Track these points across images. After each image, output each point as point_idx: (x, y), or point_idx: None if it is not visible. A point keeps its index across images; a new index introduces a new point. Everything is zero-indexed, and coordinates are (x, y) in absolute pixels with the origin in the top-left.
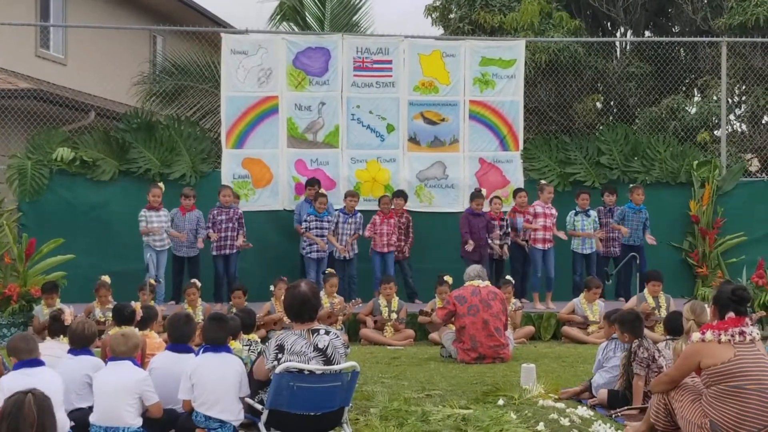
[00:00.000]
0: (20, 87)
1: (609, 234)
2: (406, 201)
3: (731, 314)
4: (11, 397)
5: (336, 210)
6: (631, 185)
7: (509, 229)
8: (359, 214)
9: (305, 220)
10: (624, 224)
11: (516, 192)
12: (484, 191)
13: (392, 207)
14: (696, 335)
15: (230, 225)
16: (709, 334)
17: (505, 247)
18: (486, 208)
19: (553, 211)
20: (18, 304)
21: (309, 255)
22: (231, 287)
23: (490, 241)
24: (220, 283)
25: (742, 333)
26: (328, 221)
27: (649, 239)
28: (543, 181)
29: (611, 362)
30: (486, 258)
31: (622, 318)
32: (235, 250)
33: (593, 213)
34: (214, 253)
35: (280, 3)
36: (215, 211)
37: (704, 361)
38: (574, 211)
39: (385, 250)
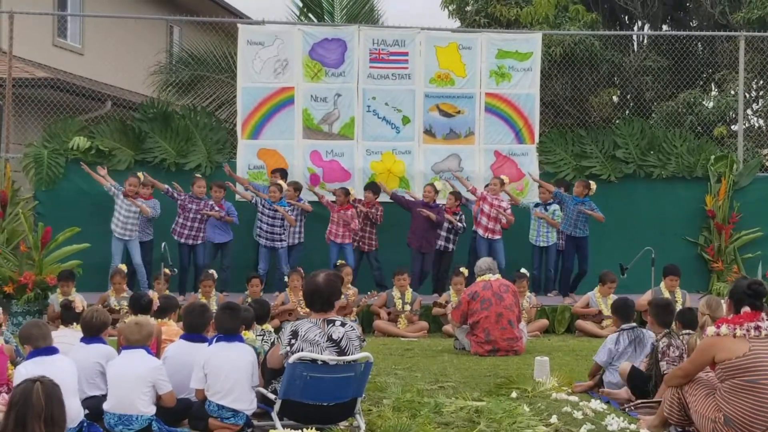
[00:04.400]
0: (37, 76)
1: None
2: (376, 195)
3: (747, 309)
4: (19, 385)
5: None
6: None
7: (463, 226)
8: (302, 201)
9: (262, 205)
10: (563, 211)
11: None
12: (438, 183)
13: (352, 199)
14: (711, 329)
15: (198, 216)
16: (724, 328)
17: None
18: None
19: (503, 204)
20: (33, 293)
21: (258, 241)
22: (198, 278)
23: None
24: (183, 274)
25: (757, 328)
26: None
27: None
28: (503, 177)
29: (622, 360)
30: (431, 252)
31: (653, 302)
32: (200, 241)
33: (553, 206)
34: (182, 241)
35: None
36: (185, 197)
37: (719, 356)
38: (533, 203)
39: (339, 240)
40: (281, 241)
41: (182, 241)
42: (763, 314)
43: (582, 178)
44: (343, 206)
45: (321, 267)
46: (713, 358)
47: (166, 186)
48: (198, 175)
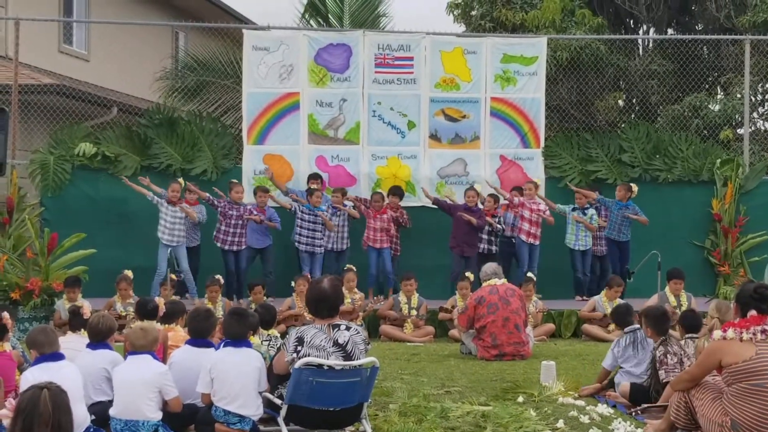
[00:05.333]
0: (43, 82)
1: (597, 232)
2: (401, 198)
3: (753, 312)
4: (26, 391)
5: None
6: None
7: (502, 228)
8: (348, 205)
9: (301, 211)
10: (608, 215)
11: (511, 190)
12: (477, 185)
13: (386, 203)
14: (717, 333)
15: (240, 222)
16: (730, 332)
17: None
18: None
19: (541, 207)
20: (40, 299)
21: (298, 247)
22: (240, 284)
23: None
24: (231, 280)
25: (764, 331)
26: (322, 216)
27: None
28: (536, 180)
29: (630, 362)
30: (474, 255)
31: (647, 312)
32: (243, 247)
33: (590, 211)
34: (225, 248)
35: (311, 2)
36: (224, 204)
37: (725, 359)
38: (571, 207)
39: (378, 245)
40: (321, 246)
41: (226, 248)
42: None
43: (624, 181)
44: (380, 211)
45: (361, 272)
46: (720, 361)
47: (207, 194)
48: (235, 181)
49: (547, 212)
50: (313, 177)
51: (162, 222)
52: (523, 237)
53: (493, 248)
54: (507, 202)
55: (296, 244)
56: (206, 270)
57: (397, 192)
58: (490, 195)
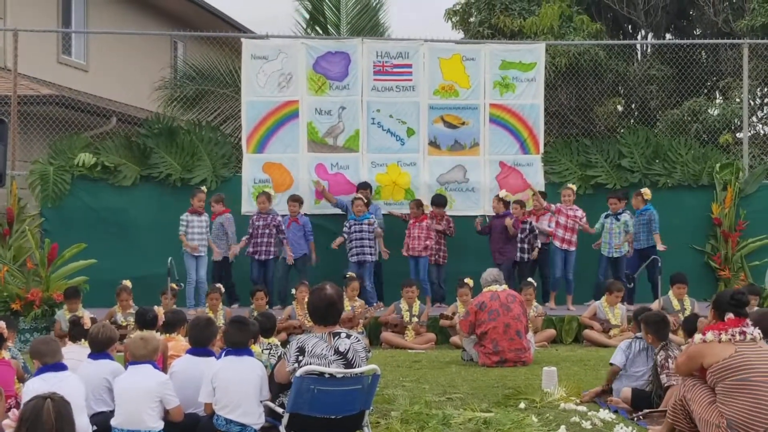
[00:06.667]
0: (42, 93)
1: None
2: (443, 207)
3: (730, 315)
4: (30, 401)
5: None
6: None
7: (534, 233)
8: (371, 216)
9: (346, 224)
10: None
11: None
12: (503, 193)
13: (426, 212)
14: (697, 337)
15: (267, 231)
16: (710, 335)
17: (535, 251)
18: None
19: (578, 213)
20: (40, 309)
21: (350, 259)
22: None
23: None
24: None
25: (742, 333)
26: (369, 224)
27: (659, 246)
28: (570, 185)
29: (636, 367)
30: (507, 263)
31: (647, 318)
32: (272, 256)
33: (624, 216)
34: (255, 257)
35: (310, 11)
36: (254, 217)
37: (706, 361)
38: (604, 214)
39: (416, 254)
40: (371, 255)
41: (256, 257)
42: (748, 320)
43: (624, 187)
44: (418, 218)
45: (398, 280)
46: (701, 364)
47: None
48: (266, 191)
49: (584, 219)
50: (362, 186)
51: (189, 234)
52: (557, 243)
53: (526, 256)
54: (545, 209)
55: (349, 257)
56: (242, 282)
57: (439, 201)
58: (516, 201)
